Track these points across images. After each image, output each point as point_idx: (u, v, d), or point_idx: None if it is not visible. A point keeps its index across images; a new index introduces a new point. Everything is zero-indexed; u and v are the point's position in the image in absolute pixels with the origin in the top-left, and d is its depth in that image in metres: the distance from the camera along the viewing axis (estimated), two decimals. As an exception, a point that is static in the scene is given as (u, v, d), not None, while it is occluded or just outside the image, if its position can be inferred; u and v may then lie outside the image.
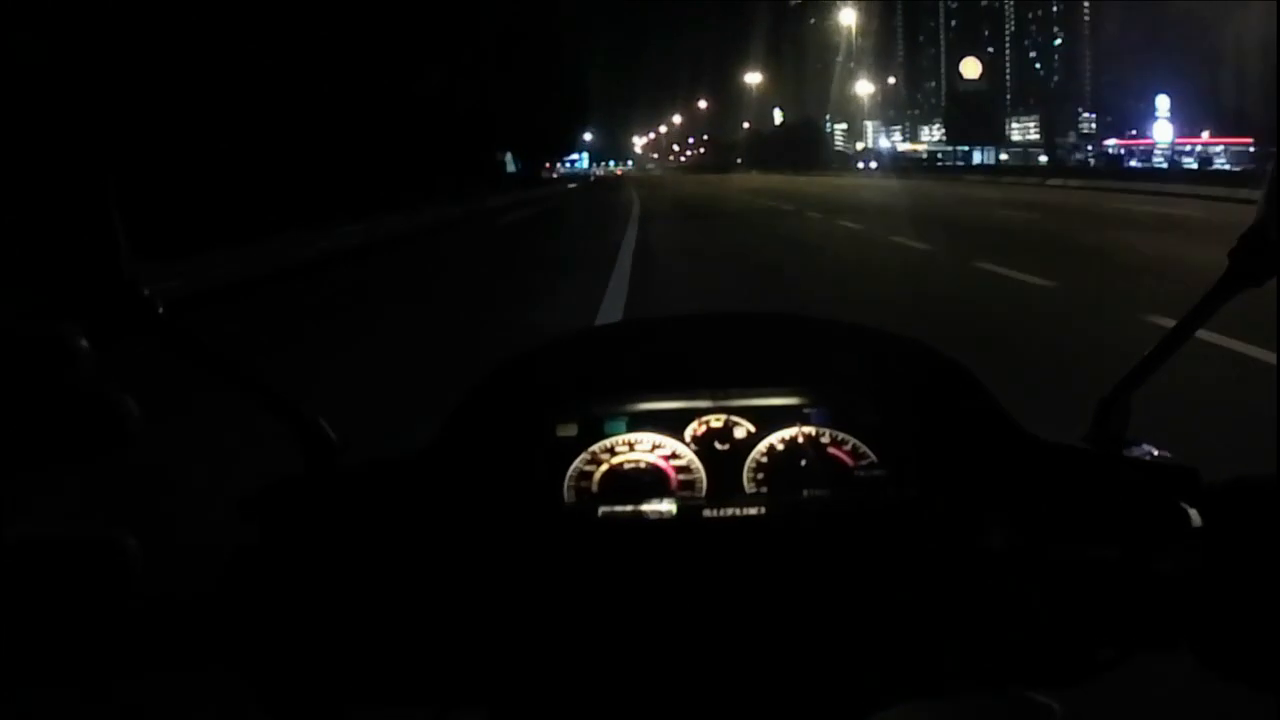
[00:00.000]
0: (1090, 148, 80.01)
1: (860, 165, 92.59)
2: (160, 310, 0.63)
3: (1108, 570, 0.68)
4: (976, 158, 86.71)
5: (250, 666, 0.66)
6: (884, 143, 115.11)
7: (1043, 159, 77.29)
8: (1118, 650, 0.68)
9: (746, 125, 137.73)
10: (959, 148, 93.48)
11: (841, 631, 0.68)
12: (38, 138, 0.56)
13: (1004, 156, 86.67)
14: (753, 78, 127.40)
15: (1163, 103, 63.90)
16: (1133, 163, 68.84)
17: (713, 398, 0.83)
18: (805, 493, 0.77)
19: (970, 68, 78.92)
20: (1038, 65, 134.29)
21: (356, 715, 0.69)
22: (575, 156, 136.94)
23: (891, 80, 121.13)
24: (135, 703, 0.71)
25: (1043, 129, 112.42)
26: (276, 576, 0.68)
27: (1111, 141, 77.61)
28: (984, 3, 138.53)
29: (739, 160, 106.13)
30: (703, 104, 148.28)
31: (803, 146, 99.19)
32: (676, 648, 0.67)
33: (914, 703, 0.69)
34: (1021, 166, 68.69)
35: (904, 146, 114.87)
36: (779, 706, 0.67)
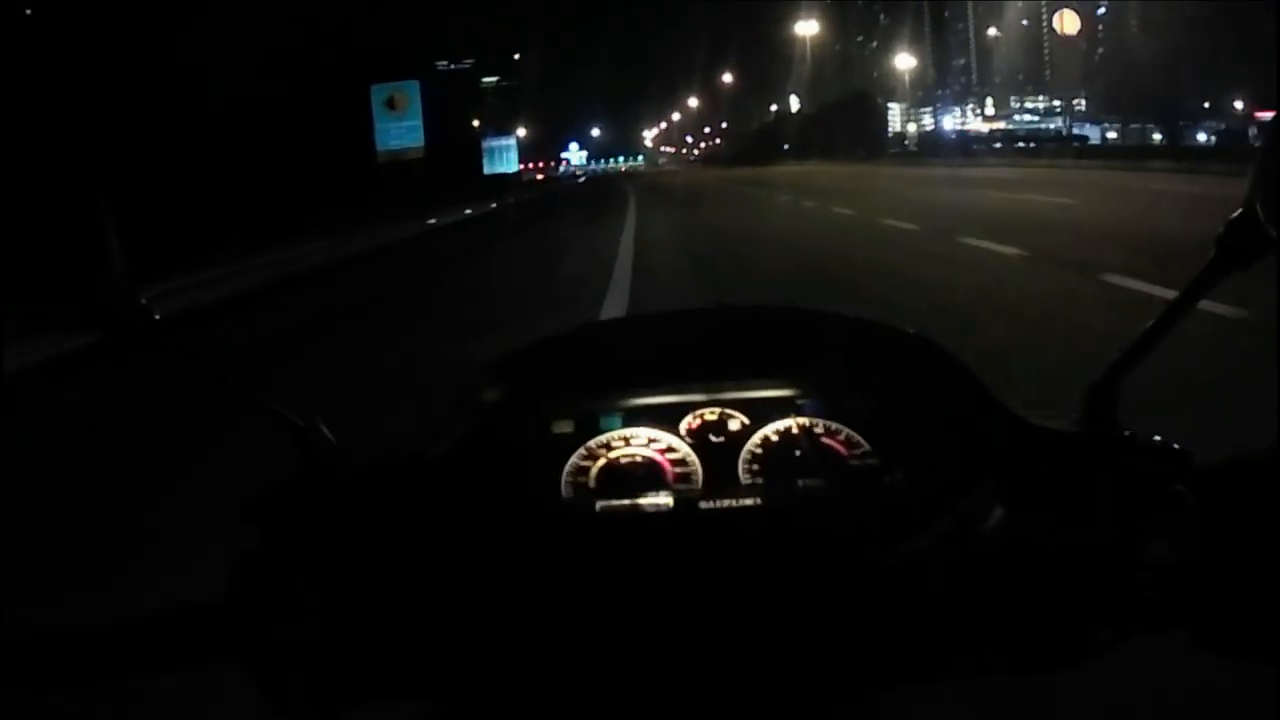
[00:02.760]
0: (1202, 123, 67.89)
1: (909, 147, 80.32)
2: (156, 318, 0.64)
3: (1102, 553, 0.68)
4: (1092, 134, 74.10)
5: (257, 667, 0.67)
6: (946, 123, 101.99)
7: (1156, 137, 64.56)
8: (1113, 632, 0.68)
9: (775, 109, 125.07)
10: (1048, 126, 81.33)
11: (839, 618, 0.67)
12: (32, 152, 0.54)
13: (1111, 134, 73.70)
14: (807, 27, 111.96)
15: None
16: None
17: (707, 391, 0.83)
18: (800, 483, 0.78)
19: (1069, 21, 65.99)
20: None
21: (362, 713, 0.69)
22: (566, 156, 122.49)
23: (993, 31, 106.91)
24: (143, 703, 0.73)
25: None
26: (282, 579, 0.68)
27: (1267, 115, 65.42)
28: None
29: (785, 146, 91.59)
30: (727, 77, 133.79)
31: (854, 129, 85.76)
32: (677, 638, 0.67)
33: (911, 688, 0.69)
34: (1146, 147, 55.91)
35: (970, 126, 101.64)
36: (778, 694, 0.67)
